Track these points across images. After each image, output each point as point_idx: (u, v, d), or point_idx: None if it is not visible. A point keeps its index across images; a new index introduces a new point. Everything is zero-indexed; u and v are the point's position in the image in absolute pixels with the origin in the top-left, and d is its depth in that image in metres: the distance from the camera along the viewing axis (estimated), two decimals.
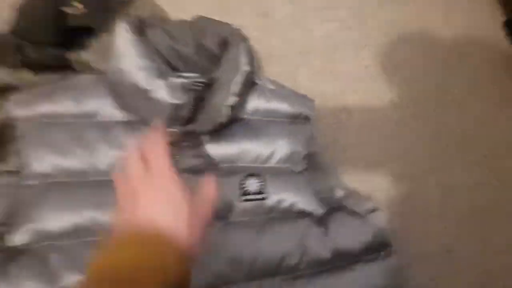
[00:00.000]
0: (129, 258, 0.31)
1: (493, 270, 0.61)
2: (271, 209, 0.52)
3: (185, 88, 0.52)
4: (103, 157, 0.52)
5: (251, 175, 0.51)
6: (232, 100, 0.52)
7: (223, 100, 0.52)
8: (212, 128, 0.53)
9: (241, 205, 0.50)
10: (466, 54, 0.79)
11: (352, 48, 0.79)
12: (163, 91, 0.50)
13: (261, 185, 0.51)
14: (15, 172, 0.50)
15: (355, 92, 0.75)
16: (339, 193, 0.58)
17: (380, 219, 0.54)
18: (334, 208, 0.55)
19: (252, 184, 0.50)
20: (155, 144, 0.41)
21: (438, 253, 0.63)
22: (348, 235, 0.52)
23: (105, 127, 0.53)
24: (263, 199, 0.51)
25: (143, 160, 0.39)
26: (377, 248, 0.53)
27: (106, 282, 0.29)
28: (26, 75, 0.62)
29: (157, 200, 0.36)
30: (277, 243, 0.49)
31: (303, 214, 0.53)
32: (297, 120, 0.61)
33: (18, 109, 0.54)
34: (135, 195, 0.37)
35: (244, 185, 0.50)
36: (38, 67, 0.62)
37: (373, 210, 0.56)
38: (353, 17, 0.82)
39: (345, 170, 0.68)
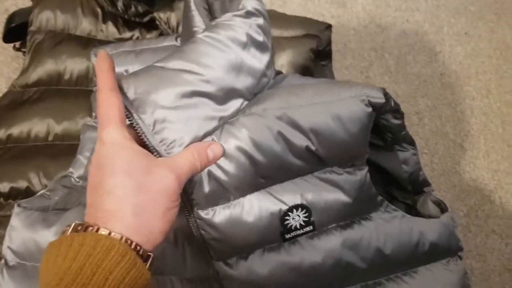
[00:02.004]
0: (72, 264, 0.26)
1: None
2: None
3: None
4: None
5: (294, 207, 0.39)
6: None
7: None
8: None
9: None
10: None
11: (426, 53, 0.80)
12: None
13: (307, 214, 0.40)
14: None
15: (426, 96, 0.76)
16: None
17: (451, 221, 0.47)
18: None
19: (296, 217, 0.40)
20: (98, 94, 0.32)
21: (498, 271, 0.65)
22: (406, 247, 0.45)
23: None
24: (313, 229, 0.41)
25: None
26: (443, 255, 0.47)
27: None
28: (110, 29, 0.61)
29: (98, 191, 0.29)
30: (331, 266, 0.43)
31: (358, 221, 0.44)
32: None
33: None
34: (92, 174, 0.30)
35: (287, 221, 0.40)
36: (123, 22, 0.61)
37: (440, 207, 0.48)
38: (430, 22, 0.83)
39: None
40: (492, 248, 0.66)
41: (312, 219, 0.40)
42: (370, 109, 0.38)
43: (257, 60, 0.39)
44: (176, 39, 0.58)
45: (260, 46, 0.40)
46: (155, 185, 0.30)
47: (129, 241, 0.28)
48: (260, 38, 0.39)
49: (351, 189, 0.41)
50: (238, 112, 0.38)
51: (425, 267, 0.46)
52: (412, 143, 0.50)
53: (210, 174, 0.37)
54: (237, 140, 0.36)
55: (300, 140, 0.37)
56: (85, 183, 0.50)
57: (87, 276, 0.25)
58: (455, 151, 0.72)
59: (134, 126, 0.34)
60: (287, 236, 0.41)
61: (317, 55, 0.66)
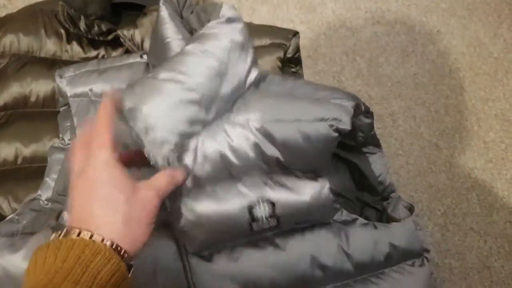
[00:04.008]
0: (58, 266, 0.29)
1: None
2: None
3: None
4: None
5: (260, 199, 0.45)
6: None
7: None
8: None
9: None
10: None
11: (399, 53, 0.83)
12: None
13: (272, 208, 0.46)
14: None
15: (399, 97, 0.79)
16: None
17: (418, 224, 0.51)
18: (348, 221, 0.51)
19: (263, 209, 0.46)
20: (98, 121, 0.37)
21: (477, 269, 0.67)
22: (368, 248, 0.49)
23: None
24: (277, 225, 0.46)
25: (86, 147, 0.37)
26: (407, 257, 0.50)
27: None
28: (75, 49, 0.64)
29: (89, 199, 0.34)
30: (296, 261, 0.47)
31: (319, 225, 0.50)
32: None
33: (71, 86, 0.55)
34: (71, 192, 0.35)
35: (255, 212, 0.45)
36: (87, 41, 0.64)
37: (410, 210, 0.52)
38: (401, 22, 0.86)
39: None
40: (471, 246, 0.68)
41: (276, 213, 0.46)
42: (336, 135, 0.45)
43: (242, 62, 0.45)
44: (141, 56, 0.60)
45: (244, 48, 0.45)
46: (140, 200, 0.35)
47: (115, 245, 0.32)
48: (242, 40, 0.45)
49: (309, 192, 0.46)
50: (222, 116, 0.44)
51: (391, 269, 0.49)
52: (378, 145, 0.54)
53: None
54: (217, 144, 0.43)
55: (272, 152, 0.44)
56: (53, 205, 0.52)
57: (77, 274, 0.29)
58: (431, 151, 0.74)
59: (130, 132, 0.40)
60: (255, 227, 0.46)
61: (287, 62, 0.69)
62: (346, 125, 0.45)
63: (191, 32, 0.49)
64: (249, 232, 0.46)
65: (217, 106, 0.43)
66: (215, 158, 0.43)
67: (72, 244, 0.30)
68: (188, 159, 0.42)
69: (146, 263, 0.47)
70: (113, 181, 0.35)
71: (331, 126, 0.44)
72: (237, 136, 0.43)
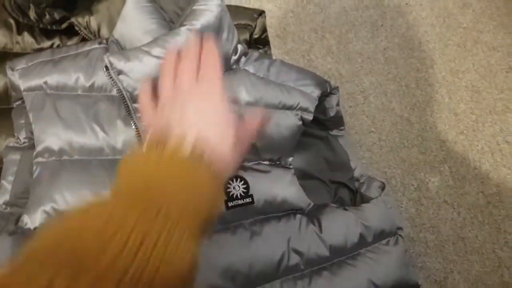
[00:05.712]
0: (160, 173, 0.30)
1: (503, 257, 0.67)
2: (260, 209, 0.50)
3: None
4: (119, 133, 0.51)
5: (234, 177, 0.49)
6: None
7: None
8: None
9: (228, 211, 0.49)
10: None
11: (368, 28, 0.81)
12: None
13: (246, 186, 0.49)
14: (28, 148, 0.49)
15: (370, 74, 0.78)
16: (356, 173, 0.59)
17: (388, 203, 0.52)
18: (322, 205, 0.53)
19: (237, 187, 0.49)
20: (208, 51, 0.38)
21: (452, 241, 0.68)
22: (340, 231, 0.50)
23: (120, 102, 0.53)
24: (251, 202, 0.49)
25: (192, 65, 0.38)
26: (381, 236, 0.51)
27: (132, 196, 0.28)
28: (27, 40, 0.60)
29: (206, 114, 0.35)
30: (272, 245, 0.48)
31: (294, 211, 0.51)
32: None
33: (24, 79, 0.52)
34: (179, 101, 0.36)
35: (229, 189, 0.48)
36: (40, 31, 0.60)
37: (383, 189, 0.54)
38: None
39: (360, 155, 0.71)
40: (445, 219, 0.69)
41: (250, 192, 0.49)
42: (300, 123, 0.50)
43: (229, 42, 0.48)
44: (99, 43, 0.57)
45: (231, 27, 0.48)
46: (240, 141, 0.37)
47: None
48: (228, 19, 0.48)
49: (277, 176, 0.51)
50: None
51: (366, 249, 0.50)
52: (342, 124, 0.56)
53: None
54: None
55: None
56: (12, 209, 0.50)
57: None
58: (402, 126, 0.74)
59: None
60: (230, 204, 0.48)
61: (254, 43, 0.67)
62: (309, 115, 0.49)
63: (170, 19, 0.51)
64: (225, 213, 0.48)
65: None
66: None
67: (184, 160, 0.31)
68: None
69: None
70: (228, 118, 0.36)
71: (297, 115, 0.49)
72: None
